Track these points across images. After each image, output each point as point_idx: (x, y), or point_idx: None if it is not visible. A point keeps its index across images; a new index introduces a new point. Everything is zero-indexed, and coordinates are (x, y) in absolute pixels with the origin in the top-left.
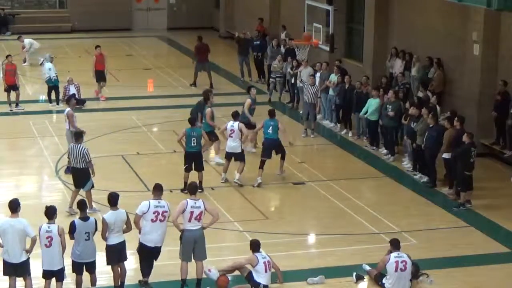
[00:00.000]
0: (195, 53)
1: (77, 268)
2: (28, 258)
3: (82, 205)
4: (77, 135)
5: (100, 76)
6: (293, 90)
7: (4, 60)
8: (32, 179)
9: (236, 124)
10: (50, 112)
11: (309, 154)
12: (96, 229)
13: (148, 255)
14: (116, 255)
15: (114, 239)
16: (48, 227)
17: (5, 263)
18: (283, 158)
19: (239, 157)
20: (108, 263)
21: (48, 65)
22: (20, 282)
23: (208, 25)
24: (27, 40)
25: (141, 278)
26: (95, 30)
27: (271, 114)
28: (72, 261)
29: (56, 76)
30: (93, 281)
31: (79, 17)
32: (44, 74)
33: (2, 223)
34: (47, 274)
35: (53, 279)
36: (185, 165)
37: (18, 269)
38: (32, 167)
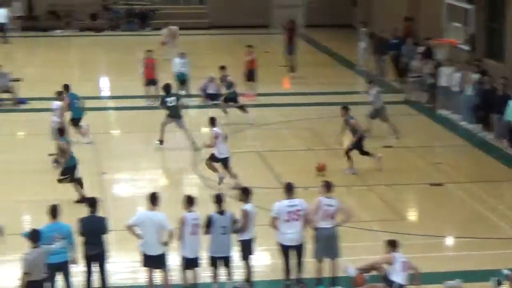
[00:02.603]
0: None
1: (214, 262)
2: (166, 251)
3: (218, 199)
4: None
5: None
6: (431, 90)
7: (144, 54)
8: (170, 172)
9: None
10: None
11: (446, 155)
12: (234, 223)
13: (287, 253)
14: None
15: (248, 235)
16: (194, 216)
17: (144, 255)
18: None
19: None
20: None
21: (175, 60)
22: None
23: (345, 23)
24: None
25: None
26: (233, 26)
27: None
28: (209, 255)
29: (184, 71)
30: (229, 275)
31: (217, 14)
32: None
33: (140, 215)
34: (188, 264)
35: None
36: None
37: (156, 261)
38: (169, 161)
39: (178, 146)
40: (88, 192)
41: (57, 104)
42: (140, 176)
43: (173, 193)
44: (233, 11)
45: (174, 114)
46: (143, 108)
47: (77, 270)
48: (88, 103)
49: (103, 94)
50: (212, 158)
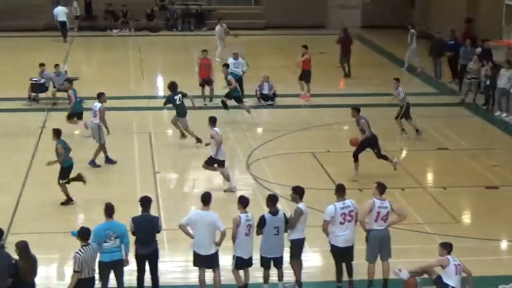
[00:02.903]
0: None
1: (265, 262)
2: (217, 251)
3: (271, 199)
4: None
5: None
6: (488, 92)
7: (199, 54)
8: None
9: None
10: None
11: (502, 158)
12: (285, 224)
13: (341, 256)
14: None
15: (299, 235)
16: (247, 216)
17: (195, 254)
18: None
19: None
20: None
21: (229, 60)
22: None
23: (403, 24)
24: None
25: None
26: (289, 27)
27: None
28: (261, 256)
29: (237, 71)
30: (280, 276)
31: (273, 14)
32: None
33: (193, 215)
34: (242, 264)
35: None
36: (65, 179)
37: (207, 261)
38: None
39: (232, 146)
40: (141, 191)
41: (96, 105)
42: (193, 176)
43: (226, 193)
44: (289, 12)
45: (181, 112)
46: (199, 108)
47: (129, 269)
48: (144, 103)
49: (159, 93)
50: (209, 160)
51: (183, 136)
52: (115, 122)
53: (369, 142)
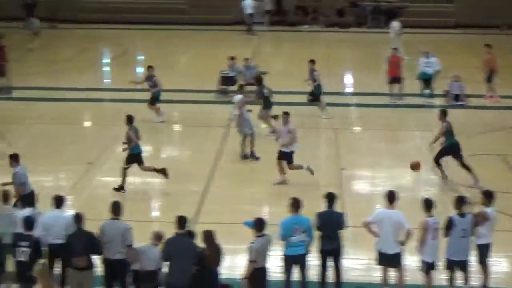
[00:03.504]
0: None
1: (451, 265)
2: (402, 250)
3: (461, 201)
4: None
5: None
6: None
7: (389, 52)
8: (409, 172)
9: None
10: (431, 106)
11: None
12: (474, 226)
13: None
14: None
15: (486, 239)
16: (434, 220)
17: (380, 253)
18: None
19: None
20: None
21: (420, 59)
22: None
23: None
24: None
25: None
26: (480, 26)
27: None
28: (447, 258)
29: (427, 70)
30: (466, 280)
31: (465, 12)
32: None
33: (379, 213)
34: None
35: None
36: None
37: (391, 260)
38: (409, 160)
39: (417, 145)
40: (327, 187)
41: (238, 98)
42: (379, 174)
43: (411, 192)
44: (481, 10)
45: (269, 103)
46: (387, 105)
47: (313, 264)
48: (331, 99)
49: (346, 90)
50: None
51: (273, 132)
52: (303, 118)
53: (451, 149)
